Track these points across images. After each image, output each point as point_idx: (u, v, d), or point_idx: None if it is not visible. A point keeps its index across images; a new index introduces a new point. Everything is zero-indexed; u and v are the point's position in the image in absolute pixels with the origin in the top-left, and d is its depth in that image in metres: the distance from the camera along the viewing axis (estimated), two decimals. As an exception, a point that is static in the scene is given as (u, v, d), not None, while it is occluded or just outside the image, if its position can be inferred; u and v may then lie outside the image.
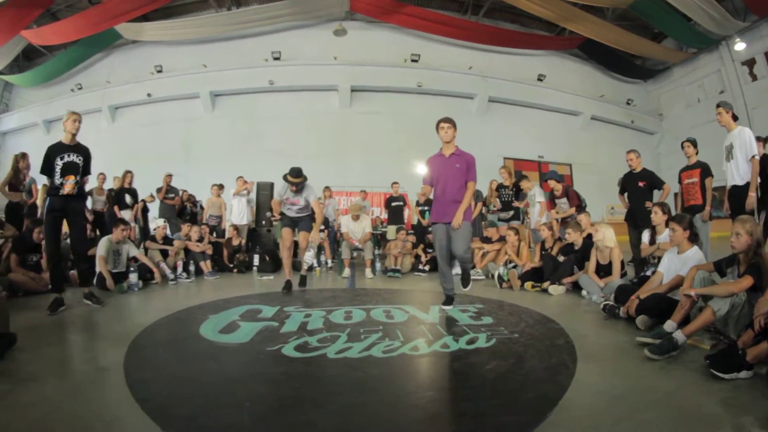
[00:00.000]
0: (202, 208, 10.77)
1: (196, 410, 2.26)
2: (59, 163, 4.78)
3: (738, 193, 5.38)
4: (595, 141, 18.01)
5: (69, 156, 4.84)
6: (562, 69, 18.18)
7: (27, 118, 18.31)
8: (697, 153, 6.15)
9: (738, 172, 5.40)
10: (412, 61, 16.18)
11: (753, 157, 5.27)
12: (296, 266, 7.15)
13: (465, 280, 5.01)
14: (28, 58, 17.95)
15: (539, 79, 17.25)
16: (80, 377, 2.76)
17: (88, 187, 6.89)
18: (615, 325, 4.00)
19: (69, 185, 4.76)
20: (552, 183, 7.80)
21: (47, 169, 4.80)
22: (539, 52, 17.95)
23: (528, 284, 6.10)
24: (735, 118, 5.56)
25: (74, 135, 4.94)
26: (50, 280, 4.88)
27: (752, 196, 5.22)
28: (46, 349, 3.36)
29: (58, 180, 4.76)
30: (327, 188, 10.94)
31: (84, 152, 4.99)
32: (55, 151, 4.83)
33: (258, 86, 16.27)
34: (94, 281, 6.09)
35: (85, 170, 5.02)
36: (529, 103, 17.56)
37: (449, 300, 4.79)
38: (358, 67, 15.95)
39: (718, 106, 5.59)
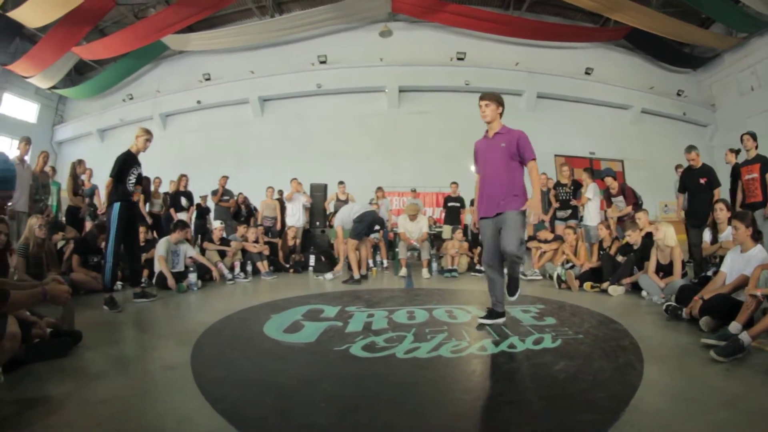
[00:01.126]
0: (255, 209, 11.03)
1: (269, 411, 2.28)
2: (134, 173, 5.23)
3: None
4: (647, 135, 17.46)
5: (138, 168, 5.33)
6: (610, 61, 17.71)
7: (81, 128, 19.31)
8: (757, 147, 5.97)
9: None
10: (458, 59, 16.07)
11: None
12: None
13: (512, 287, 4.22)
14: (80, 72, 18.92)
15: (587, 73, 16.88)
16: (148, 376, 2.84)
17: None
18: (678, 327, 3.98)
19: (137, 194, 5.41)
20: (608, 180, 7.69)
21: (122, 175, 5.14)
22: (585, 44, 17.56)
23: (587, 285, 6.07)
24: None
25: (142, 152, 5.40)
26: (108, 278, 5.04)
27: None
28: (111, 347, 3.49)
29: (131, 188, 5.21)
30: (379, 189, 11.08)
31: (140, 166, 5.45)
32: (130, 161, 5.23)
33: (306, 90, 16.47)
34: (154, 280, 6.49)
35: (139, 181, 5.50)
36: (577, 98, 17.17)
37: (491, 314, 4.12)
38: (405, 68, 15.97)
39: None
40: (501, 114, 4.16)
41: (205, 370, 2.87)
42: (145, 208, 8.76)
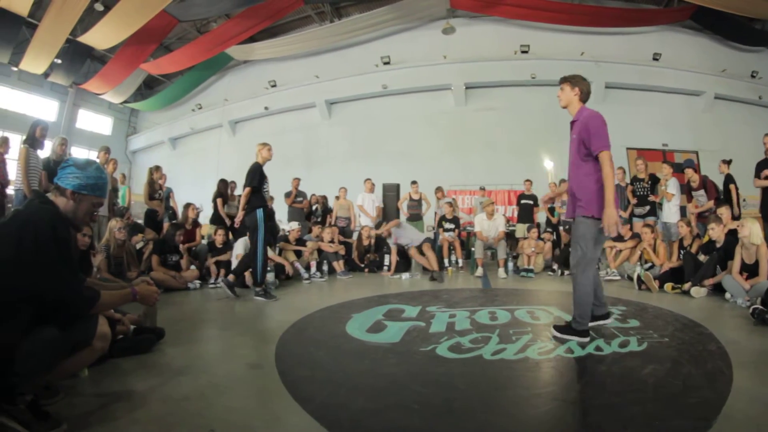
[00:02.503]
0: (330, 209, 11.28)
1: (362, 412, 2.28)
2: (267, 182, 5.97)
3: None
4: (721, 123, 16.48)
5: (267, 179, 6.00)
6: (677, 44, 16.87)
7: (154, 137, 20.56)
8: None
9: None
10: (522, 52, 15.79)
11: None
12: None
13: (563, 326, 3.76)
14: (149, 86, 20.14)
15: (654, 59, 16.20)
16: (232, 373, 2.87)
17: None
18: (766, 332, 3.87)
19: (270, 201, 5.82)
20: (689, 172, 7.42)
21: (260, 184, 5.84)
22: (650, 28, 16.78)
23: (668, 286, 5.95)
24: None
25: (268, 161, 6.06)
26: (259, 274, 5.77)
27: None
28: (193, 344, 3.60)
29: (267, 195, 5.94)
30: (439, 189, 11.15)
31: None
32: (263, 172, 5.93)
33: (371, 91, 16.60)
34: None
35: None
36: (646, 86, 16.48)
37: (564, 328, 3.73)
38: (469, 64, 15.80)
39: None
40: (580, 97, 3.76)
41: (290, 369, 2.92)
42: (223, 210, 9.12)
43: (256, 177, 5.78)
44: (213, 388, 2.56)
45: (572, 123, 3.79)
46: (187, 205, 8.26)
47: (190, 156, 19.82)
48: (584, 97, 3.79)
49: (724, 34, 16.88)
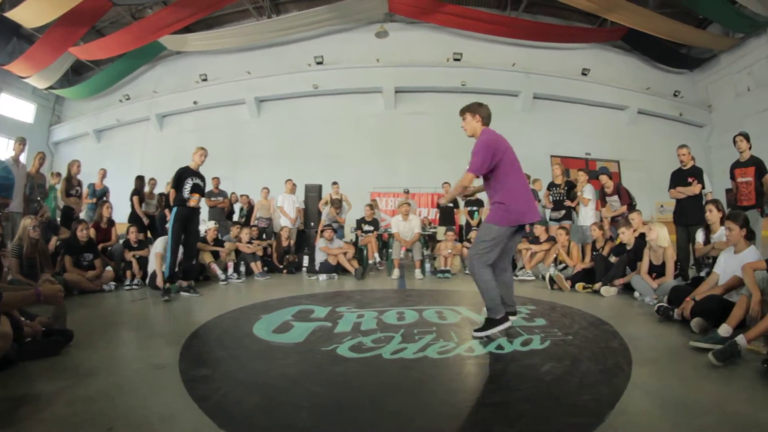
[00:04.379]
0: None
1: (253, 410, 2.29)
2: (189, 183, 6.04)
3: None
4: (643, 136, 17.42)
5: (196, 179, 6.14)
6: (606, 62, 17.73)
7: (78, 128, 19.30)
8: (750, 148, 5.89)
9: None
10: (455, 60, 16.05)
11: None
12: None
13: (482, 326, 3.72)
14: (77, 72, 18.86)
15: (583, 74, 16.87)
16: (136, 374, 2.85)
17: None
18: (669, 328, 3.96)
19: (194, 201, 6.07)
20: (603, 179, 7.70)
21: (178, 185, 6.00)
22: (582, 45, 17.56)
23: (579, 285, 6.08)
24: None
25: (199, 165, 6.25)
26: (167, 271, 5.91)
27: None
28: (102, 346, 3.48)
29: (186, 195, 6.01)
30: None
31: (203, 179, 6.32)
32: (186, 173, 6.09)
33: (302, 91, 16.45)
34: (147, 280, 6.60)
35: (203, 191, 6.39)
36: (574, 98, 17.15)
37: (484, 326, 3.70)
38: (401, 68, 15.95)
39: None
40: (483, 122, 3.91)
41: (192, 369, 2.91)
42: (139, 208, 8.81)
43: (176, 179, 6.03)
44: (117, 389, 2.56)
45: None
46: (102, 203, 7.92)
47: (114, 150, 18.64)
48: (486, 121, 3.93)
49: (652, 56, 18.02)
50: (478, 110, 3.89)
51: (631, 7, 14.58)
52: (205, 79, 17.03)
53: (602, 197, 7.67)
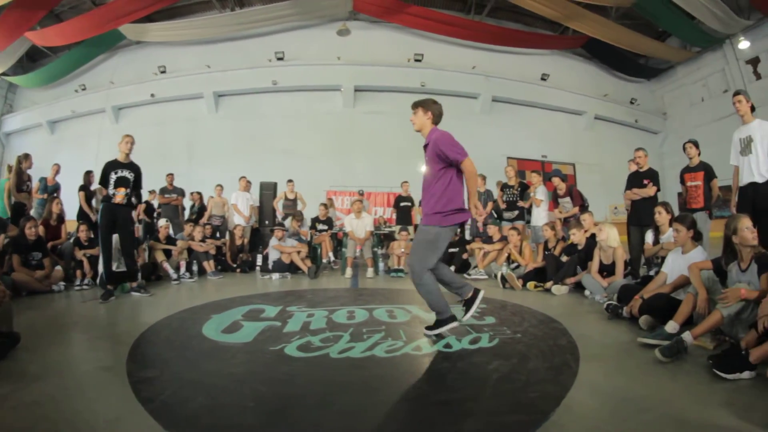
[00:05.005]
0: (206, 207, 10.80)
1: (199, 410, 2.25)
2: (113, 177, 5.65)
3: (755, 192, 4.93)
4: (599, 140, 17.99)
5: (122, 171, 5.71)
6: (566, 68, 18.16)
7: (31, 118, 18.38)
8: (699, 154, 6.05)
9: (758, 168, 4.94)
10: (416, 60, 16.16)
11: None
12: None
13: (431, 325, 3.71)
14: (32, 59, 18.00)
15: (543, 79, 17.22)
16: (83, 377, 2.77)
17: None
18: (618, 325, 4.00)
19: (120, 196, 5.64)
20: (556, 181, 7.80)
21: (104, 181, 5.65)
22: (543, 51, 17.92)
23: (531, 284, 6.13)
24: (753, 109, 5.14)
25: (127, 154, 5.84)
26: (105, 275, 5.65)
27: None
28: (49, 349, 3.37)
29: (111, 191, 5.63)
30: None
31: (135, 169, 5.88)
32: (110, 166, 5.71)
33: (261, 86, 16.27)
34: (98, 280, 6.31)
35: (136, 185, 5.92)
36: (532, 102, 17.52)
37: (434, 325, 3.67)
38: (362, 67, 15.95)
39: (737, 93, 5.20)
40: (433, 120, 3.84)
41: (139, 370, 2.85)
42: (86, 204, 8.43)
43: (102, 175, 5.71)
44: (64, 392, 2.50)
45: (425, 146, 3.83)
46: (52, 199, 7.62)
47: (68, 142, 17.88)
48: (436, 119, 3.86)
49: (611, 64, 18.62)
50: (431, 107, 3.83)
51: (593, 17, 14.98)
52: (163, 72, 16.60)
53: (555, 198, 7.78)
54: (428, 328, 3.68)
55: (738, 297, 3.02)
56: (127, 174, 5.73)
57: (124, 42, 16.99)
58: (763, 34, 15.06)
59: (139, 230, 8.74)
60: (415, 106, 3.87)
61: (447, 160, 3.61)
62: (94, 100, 17.35)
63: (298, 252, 7.95)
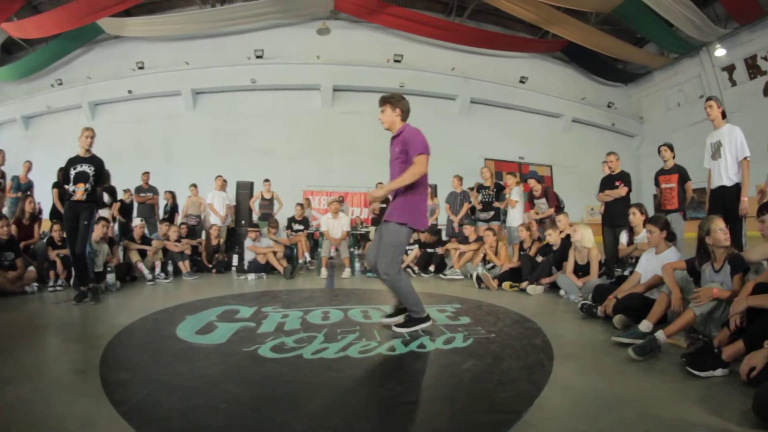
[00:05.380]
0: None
1: (171, 412, 2.23)
2: (72, 173, 5.41)
3: (725, 195, 5.17)
4: (576, 143, 18.24)
5: (81, 166, 5.45)
6: (545, 71, 18.36)
7: (5, 113, 17.86)
8: (674, 157, 6.16)
9: (726, 172, 5.17)
10: (395, 61, 16.18)
11: (745, 158, 5.08)
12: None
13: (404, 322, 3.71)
14: (7, 51, 17.50)
15: (521, 81, 17.37)
16: (56, 380, 2.73)
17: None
18: (592, 325, 4.05)
19: (79, 192, 5.37)
20: (532, 182, 7.88)
21: (65, 178, 5.47)
22: (522, 54, 18.08)
23: (506, 284, 6.17)
24: (724, 115, 5.34)
25: (87, 149, 5.55)
26: (76, 275, 5.43)
27: (745, 201, 5.05)
28: (23, 351, 3.31)
29: (71, 187, 5.40)
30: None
31: (96, 163, 5.55)
32: (70, 162, 5.51)
33: (240, 84, 16.14)
34: (72, 281, 6.08)
35: (97, 179, 5.55)
36: (510, 104, 17.71)
37: (406, 323, 3.72)
38: (341, 67, 15.92)
39: (709, 98, 5.37)
40: (402, 116, 3.83)
41: (112, 372, 2.81)
42: (59, 202, 8.18)
43: (63, 173, 5.60)
44: (37, 395, 2.45)
45: (393, 138, 3.85)
46: (25, 197, 7.54)
47: (43, 139, 17.41)
48: (404, 116, 3.84)
49: (589, 68, 18.90)
50: (399, 104, 3.80)
51: (572, 22, 15.18)
52: (141, 67, 16.31)
53: (531, 200, 7.86)
54: (398, 326, 3.68)
55: (710, 296, 3.06)
56: (86, 168, 5.45)
57: (102, 36, 16.65)
58: (738, 42, 15.56)
59: (113, 230, 8.59)
60: (383, 102, 3.84)
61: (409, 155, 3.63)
62: (71, 96, 16.92)
63: (275, 252, 7.90)
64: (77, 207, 5.37)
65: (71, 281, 6.16)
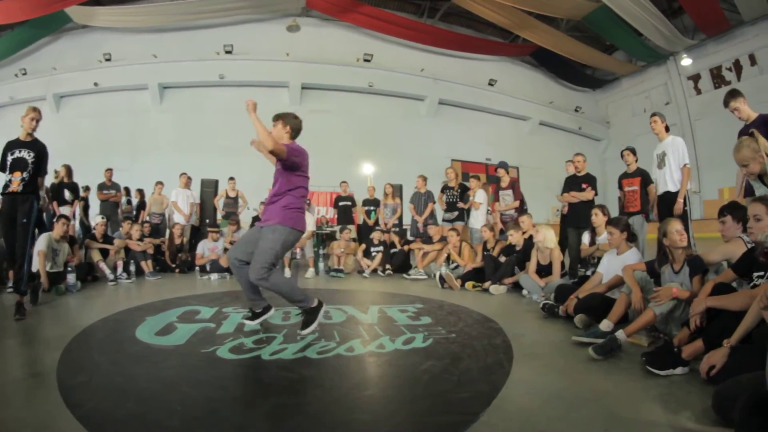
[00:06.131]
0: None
1: (127, 415, 2.20)
2: (9, 159, 4.65)
3: (670, 199, 5.51)
4: (543, 145, 18.45)
5: (20, 152, 4.68)
6: (514, 75, 18.57)
7: (-35, 104, 17.27)
8: (636, 161, 6.31)
9: (672, 179, 5.55)
10: (365, 60, 16.10)
11: (685, 165, 5.49)
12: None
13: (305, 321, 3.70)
14: (-30, 38, 16.93)
15: (490, 84, 17.47)
16: (12, 383, 2.68)
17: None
18: (553, 324, 4.08)
19: (15, 182, 4.60)
20: (501, 172, 7.99)
21: (2, 165, 4.69)
22: (492, 57, 18.22)
23: (469, 284, 6.21)
24: (667, 129, 5.79)
25: (30, 132, 4.80)
26: (13, 283, 4.82)
27: (680, 202, 5.38)
28: None
29: (7, 177, 4.65)
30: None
31: (38, 149, 4.79)
32: (7, 146, 4.75)
33: (208, 80, 15.88)
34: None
35: (38, 168, 4.77)
36: (479, 106, 17.81)
37: (305, 321, 3.69)
38: (310, 65, 15.80)
39: (653, 114, 5.83)
40: (291, 135, 3.92)
41: (69, 375, 2.74)
42: None
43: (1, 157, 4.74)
44: None
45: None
46: None
47: (5, 131, 16.49)
48: (294, 134, 3.95)
49: (557, 73, 19.21)
50: (291, 122, 3.90)
51: (543, 27, 15.40)
52: (108, 59, 15.80)
53: (497, 191, 7.96)
54: (302, 328, 3.63)
55: (670, 295, 3.12)
56: (25, 154, 4.69)
57: (69, 25, 16.04)
58: (704, 53, 16.09)
59: (74, 228, 8.35)
60: (277, 118, 3.91)
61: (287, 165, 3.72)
62: (35, 86, 16.22)
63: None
64: (14, 201, 4.62)
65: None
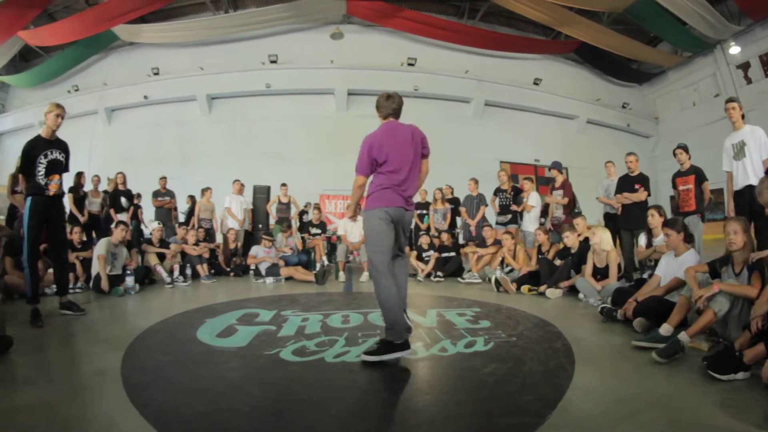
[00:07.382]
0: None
1: (194, 415, 2.24)
2: (43, 162, 4.46)
3: (751, 194, 4.84)
4: (591, 144, 17.90)
5: (52, 153, 4.54)
6: (558, 73, 18.20)
7: (23, 119, 18.09)
8: (689, 158, 6.10)
9: (755, 171, 5.03)
10: (409, 64, 16.14)
11: None
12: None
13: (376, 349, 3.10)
14: (24, 58, 17.77)
15: (535, 83, 17.26)
16: (77, 382, 2.73)
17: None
18: (612, 328, 4.05)
19: (54, 185, 4.51)
20: (554, 172, 7.91)
21: (28, 167, 4.44)
22: (535, 56, 17.94)
23: (525, 288, 6.18)
24: (743, 116, 5.32)
25: (54, 130, 4.63)
26: (29, 289, 4.39)
27: None
28: (43, 353, 3.35)
29: (42, 180, 4.45)
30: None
31: (65, 148, 4.72)
32: (35, 147, 4.50)
33: (254, 89, 16.16)
34: (91, 284, 6.21)
35: (66, 168, 4.74)
36: (525, 107, 17.56)
37: (380, 348, 3.07)
38: (355, 71, 15.91)
39: (730, 100, 5.35)
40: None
41: (134, 374, 2.80)
42: (74, 207, 8.24)
43: (23, 159, 4.45)
44: (57, 397, 2.44)
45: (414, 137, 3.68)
46: None
47: None
48: (384, 114, 3.76)
49: (603, 69, 18.66)
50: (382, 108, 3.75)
51: (585, 22, 15.05)
52: (156, 73, 16.45)
53: (551, 189, 7.90)
54: (368, 353, 3.07)
55: (712, 291, 3.10)
56: (58, 155, 4.59)
57: (117, 43, 16.77)
58: (753, 39, 15.15)
59: (130, 233, 8.69)
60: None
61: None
62: (87, 102, 17.06)
63: (297, 270, 7.83)
64: (52, 203, 4.57)
65: (90, 284, 6.26)
